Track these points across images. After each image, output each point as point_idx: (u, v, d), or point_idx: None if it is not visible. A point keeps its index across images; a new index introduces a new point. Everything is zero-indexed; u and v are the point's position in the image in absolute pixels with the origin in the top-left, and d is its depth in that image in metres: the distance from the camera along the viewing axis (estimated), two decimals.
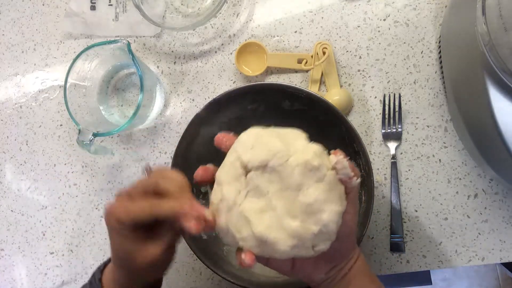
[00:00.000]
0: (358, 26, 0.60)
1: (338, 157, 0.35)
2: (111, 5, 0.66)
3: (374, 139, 0.59)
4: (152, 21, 0.60)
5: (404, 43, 0.59)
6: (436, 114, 0.58)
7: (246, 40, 0.63)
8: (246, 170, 0.35)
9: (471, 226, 0.56)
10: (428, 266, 0.56)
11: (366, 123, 0.59)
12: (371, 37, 0.60)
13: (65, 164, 0.66)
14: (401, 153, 0.58)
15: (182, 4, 0.65)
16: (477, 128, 0.51)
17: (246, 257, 0.35)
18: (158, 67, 0.65)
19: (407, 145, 0.58)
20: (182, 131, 0.54)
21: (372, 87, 0.59)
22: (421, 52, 0.59)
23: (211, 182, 0.38)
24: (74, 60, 0.58)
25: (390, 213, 0.57)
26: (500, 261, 0.56)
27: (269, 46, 0.62)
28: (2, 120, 0.69)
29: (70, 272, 0.65)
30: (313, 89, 0.60)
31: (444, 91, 0.58)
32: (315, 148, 0.35)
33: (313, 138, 0.37)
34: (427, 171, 0.57)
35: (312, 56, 0.59)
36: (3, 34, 0.70)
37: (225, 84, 0.63)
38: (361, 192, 0.53)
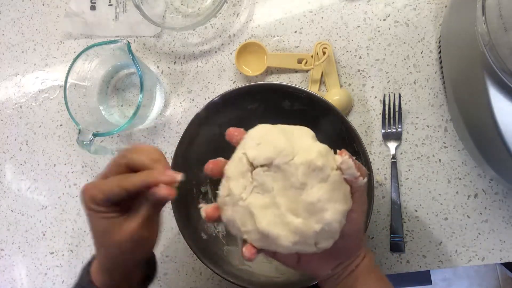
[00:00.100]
0: (358, 26, 0.60)
1: (343, 157, 0.35)
2: (111, 5, 0.66)
3: (374, 139, 0.59)
4: (152, 21, 0.60)
5: (404, 43, 0.59)
6: (436, 114, 0.58)
7: (246, 40, 0.63)
8: (253, 166, 0.36)
9: (471, 226, 0.56)
10: (428, 266, 0.56)
11: (366, 123, 0.59)
12: (371, 37, 0.60)
13: (65, 164, 0.66)
14: (401, 153, 0.58)
15: (182, 4, 0.65)
16: (477, 128, 0.51)
17: (246, 250, 0.37)
18: (158, 67, 0.65)
19: (407, 145, 0.58)
20: (182, 131, 0.54)
21: (372, 87, 0.59)
22: (421, 52, 0.59)
23: (221, 175, 0.39)
24: (74, 60, 0.58)
25: (390, 213, 0.57)
26: (500, 261, 0.56)
27: (269, 46, 0.62)
28: (2, 120, 0.69)
29: (70, 272, 0.65)
30: (313, 89, 0.60)
31: (444, 91, 0.58)
32: (320, 147, 0.36)
33: None
34: (427, 171, 0.57)
35: (312, 56, 0.59)
36: (3, 34, 0.70)
37: (225, 84, 0.63)
38: None
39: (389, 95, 0.59)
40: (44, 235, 0.66)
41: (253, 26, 0.63)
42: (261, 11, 0.63)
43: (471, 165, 0.57)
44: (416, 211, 0.57)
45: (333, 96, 0.58)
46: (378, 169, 0.58)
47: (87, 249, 0.65)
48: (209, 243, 0.55)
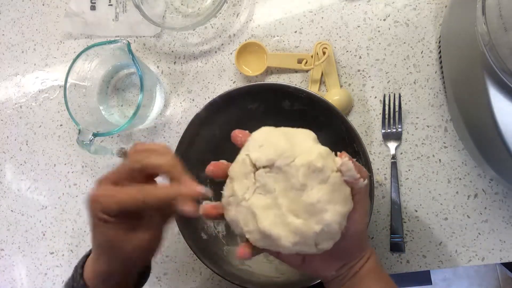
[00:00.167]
0: (358, 26, 0.60)
1: (343, 159, 0.35)
2: (111, 5, 0.66)
3: (374, 139, 0.59)
4: (152, 21, 0.60)
5: (404, 43, 0.59)
6: (436, 114, 0.58)
7: (246, 40, 0.63)
8: (255, 168, 0.37)
9: (471, 226, 0.56)
10: (428, 266, 0.56)
11: (366, 123, 0.59)
12: (371, 37, 0.60)
13: (65, 164, 0.66)
14: (401, 153, 0.58)
15: (182, 4, 0.65)
16: (477, 128, 0.51)
17: (240, 250, 0.37)
18: (158, 67, 0.65)
19: (407, 145, 0.58)
20: (182, 131, 0.54)
21: (372, 87, 0.59)
22: (421, 52, 0.59)
23: (224, 177, 0.39)
24: (74, 60, 0.58)
25: (390, 213, 0.57)
26: (500, 261, 0.56)
27: (269, 46, 0.62)
28: (2, 120, 0.69)
29: (70, 272, 0.65)
30: (313, 89, 0.60)
31: (444, 91, 0.58)
32: (321, 149, 0.36)
33: None
34: (427, 171, 0.57)
35: (312, 56, 0.59)
36: (3, 34, 0.70)
37: (225, 84, 0.63)
38: None
39: (389, 95, 0.59)
40: (44, 235, 0.66)
41: (253, 26, 0.63)
42: (261, 11, 0.63)
43: (471, 165, 0.57)
44: (416, 211, 0.57)
45: (333, 96, 0.58)
46: (378, 169, 0.58)
47: (87, 249, 0.65)
48: (209, 243, 0.55)
